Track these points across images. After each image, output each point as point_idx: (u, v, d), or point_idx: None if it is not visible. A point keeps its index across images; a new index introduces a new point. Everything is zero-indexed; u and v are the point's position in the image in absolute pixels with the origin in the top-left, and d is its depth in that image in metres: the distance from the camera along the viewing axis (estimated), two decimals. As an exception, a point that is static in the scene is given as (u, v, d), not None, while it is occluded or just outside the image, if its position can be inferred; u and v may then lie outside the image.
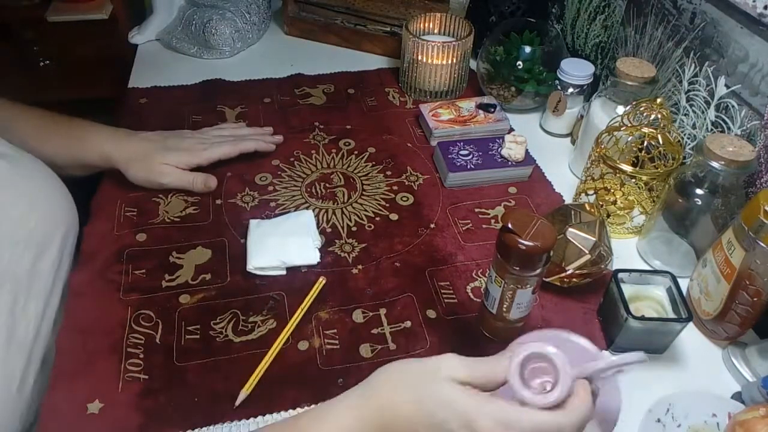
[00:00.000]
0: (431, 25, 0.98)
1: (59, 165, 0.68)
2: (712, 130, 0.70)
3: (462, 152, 0.81)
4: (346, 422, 0.42)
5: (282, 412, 0.54)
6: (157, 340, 0.59)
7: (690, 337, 0.62)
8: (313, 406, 0.54)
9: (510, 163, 0.80)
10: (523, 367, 0.38)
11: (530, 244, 0.50)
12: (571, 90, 0.85)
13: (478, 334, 0.62)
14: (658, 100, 0.69)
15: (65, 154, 0.71)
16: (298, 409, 0.54)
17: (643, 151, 0.72)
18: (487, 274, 0.61)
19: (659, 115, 0.69)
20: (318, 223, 0.72)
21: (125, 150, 0.73)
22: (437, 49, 0.90)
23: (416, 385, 0.41)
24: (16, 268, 0.55)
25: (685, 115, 0.74)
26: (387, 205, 0.77)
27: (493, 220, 0.75)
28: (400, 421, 0.41)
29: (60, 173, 0.65)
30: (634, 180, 0.69)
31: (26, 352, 0.54)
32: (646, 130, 0.70)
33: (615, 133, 0.72)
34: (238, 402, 0.54)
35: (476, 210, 0.76)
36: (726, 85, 0.67)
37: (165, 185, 0.74)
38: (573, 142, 0.88)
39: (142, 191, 0.76)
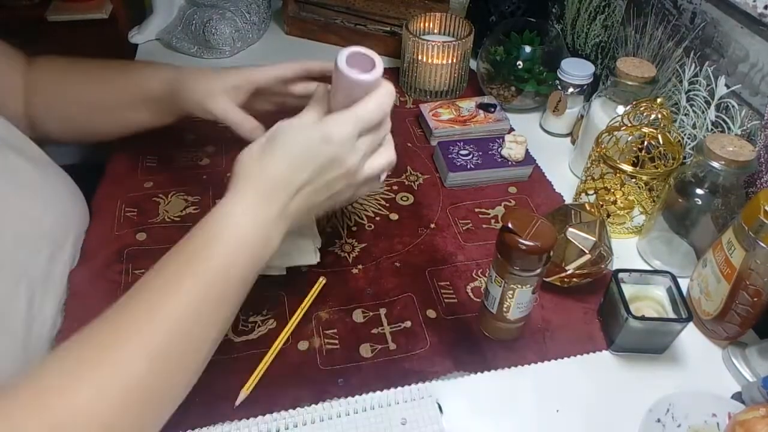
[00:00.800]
0: (431, 25, 0.98)
1: (123, 104, 0.69)
2: (712, 129, 0.70)
3: (462, 152, 0.81)
4: (244, 220, 0.47)
5: (282, 412, 0.54)
6: (157, 340, 0.59)
7: (690, 337, 0.62)
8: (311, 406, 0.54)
9: (510, 162, 0.80)
10: (348, 63, 0.48)
11: (530, 244, 0.50)
12: (571, 90, 0.85)
13: (478, 334, 0.62)
14: (659, 100, 0.69)
15: (131, 88, 0.69)
16: (299, 409, 0.54)
17: (644, 151, 0.72)
18: (487, 274, 0.61)
19: (659, 115, 0.69)
20: (318, 223, 0.72)
21: (189, 70, 0.67)
22: (437, 48, 0.90)
23: (277, 149, 0.49)
24: (33, 267, 0.57)
25: (686, 114, 0.74)
26: (387, 204, 0.77)
27: (493, 220, 0.75)
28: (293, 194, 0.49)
29: (125, 118, 0.70)
30: (634, 180, 0.69)
31: (44, 349, 0.55)
32: (646, 129, 0.70)
33: (615, 132, 0.72)
34: (238, 402, 0.54)
35: (476, 210, 0.76)
36: (726, 85, 0.67)
37: (212, 112, 0.64)
38: (573, 142, 0.88)
39: (143, 191, 0.76)
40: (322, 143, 0.48)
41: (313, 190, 0.50)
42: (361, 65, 0.48)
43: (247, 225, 0.47)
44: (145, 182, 0.77)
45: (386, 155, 0.54)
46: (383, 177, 0.56)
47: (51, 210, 0.61)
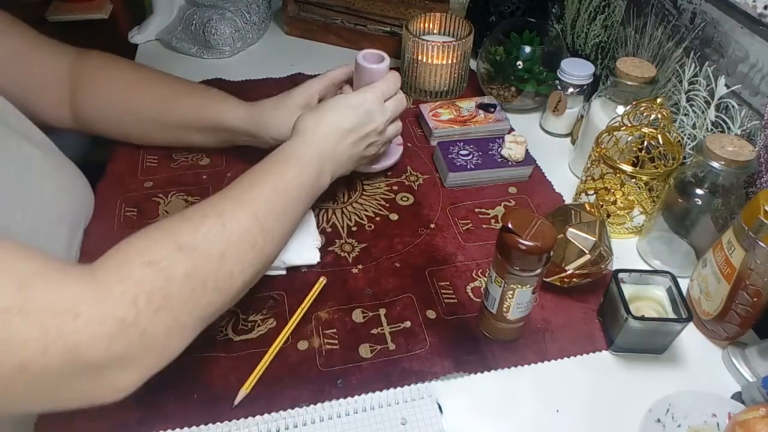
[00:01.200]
0: (431, 25, 0.98)
1: (186, 125, 0.75)
2: (712, 130, 0.70)
3: (462, 152, 0.81)
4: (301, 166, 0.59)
5: (281, 412, 0.54)
6: (157, 340, 0.59)
7: (690, 337, 0.62)
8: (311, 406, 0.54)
9: (510, 163, 0.80)
10: (365, 60, 0.68)
11: (530, 244, 0.50)
12: (571, 90, 0.85)
13: (478, 334, 0.62)
14: (658, 100, 0.69)
15: (198, 113, 0.74)
16: (298, 409, 0.54)
17: (643, 151, 0.72)
18: (487, 274, 0.61)
19: (659, 115, 0.69)
20: (318, 223, 0.72)
21: (262, 107, 0.74)
22: (437, 49, 0.90)
23: (326, 114, 0.63)
24: (55, 246, 0.60)
25: (685, 115, 0.74)
26: (387, 204, 0.77)
27: (493, 220, 0.75)
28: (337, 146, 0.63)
29: (182, 136, 0.76)
30: (634, 180, 0.69)
31: None
32: (646, 130, 0.70)
33: (615, 133, 0.72)
34: (237, 401, 0.54)
35: (476, 210, 0.76)
36: (726, 85, 0.67)
37: None
38: (573, 142, 0.88)
39: (143, 190, 0.76)
40: (360, 103, 0.65)
41: (353, 141, 0.64)
42: (373, 61, 0.68)
43: (310, 152, 0.60)
44: (145, 182, 0.77)
45: (397, 124, 0.72)
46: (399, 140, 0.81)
47: (64, 195, 0.64)
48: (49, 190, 0.62)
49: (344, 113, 0.64)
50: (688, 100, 0.74)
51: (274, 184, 0.55)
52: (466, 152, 0.81)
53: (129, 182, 0.77)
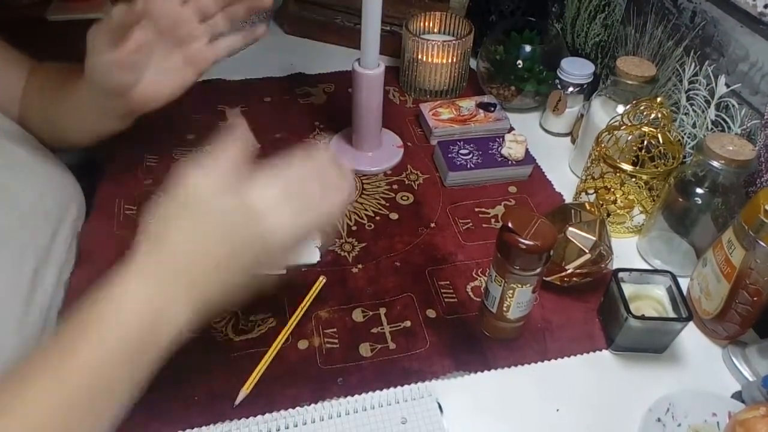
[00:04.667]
0: (431, 24, 0.98)
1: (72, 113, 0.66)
2: (712, 129, 0.70)
3: (462, 151, 0.81)
4: (141, 291, 0.40)
5: (282, 411, 0.54)
6: (157, 339, 0.59)
7: (690, 337, 0.62)
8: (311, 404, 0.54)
9: (510, 162, 0.80)
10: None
11: (530, 243, 0.50)
12: (571, 89, 0.85)
13: (478, 333, 0.62)
14: (659, 99, 0.69)
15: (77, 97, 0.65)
16: (298, 408, 0.54)
17: (643, 151, 0.72)
18: (487, 274, 0.61)
19: (659, 114, 0.69)
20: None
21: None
22: (437, 48, 0.90)
23: (190, 218, 0.42)
24: (39, 239, 0.60)
25: (686, 114, 0.74)
26: (387, 204, 0.77)
27: (493, 220, 0.75)
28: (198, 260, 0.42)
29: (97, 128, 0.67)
30: (634, 179, 0.69)
31: (43, 316, 0.58)
32: (646, 129, 0.70)
33: (615, 132, 0.72)
34: (237, 401, 0.54)
35: (476, 209, 0.76)
36: (726, 84, 0.67)
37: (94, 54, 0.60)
38: (573, 141, 0.88)
39: (143, 189, 0.76)
40: (247, 218, 0.42)
41: (233, 264, 0.43)
42: None
43: (135, 310, 0.40)
44: (145, 181, 0.77)
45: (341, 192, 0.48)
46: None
47: (49, 190, 0.64)
48: (34, 186, 0.62)
49: (218, 229, 0.43)
50: (688, 99, 0.74)
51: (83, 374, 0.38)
52: (466, 151, 0.81)
53: (129, 181, 0.77)
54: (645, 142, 0.71)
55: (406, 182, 0.80)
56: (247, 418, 0.54)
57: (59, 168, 0.69)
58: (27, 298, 0.57)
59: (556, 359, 0.60)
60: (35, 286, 0.58)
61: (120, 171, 0.79)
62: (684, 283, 0.64)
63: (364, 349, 0.60)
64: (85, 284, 0.63)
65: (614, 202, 0.71)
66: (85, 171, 0.75)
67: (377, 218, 0.74)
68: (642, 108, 0.70)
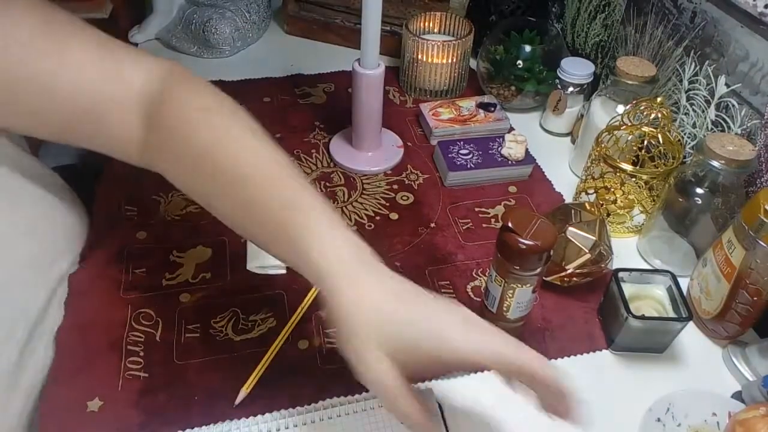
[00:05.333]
0: (431, 24, 0.98)
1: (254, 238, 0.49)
2: (712, 129, 0.70)
3: (462, 151, 0.81)
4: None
5: (282, 411, 0.54)
6: (158, 339, 0.59)
7: (690, 337, 0.62)
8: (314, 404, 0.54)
9: (510, 162, 0.80)
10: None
11: (530, 243, 0.50)
12: (571, 89, 0.85)
13: (478, 333, 0.62)
14: (659, 99, 0.69)
15: (270, 246, 0.47)
16: (298, 408, 0.54)
17: (644, 150, 0.72)
18: (487, 274, 0.61)
19: (659, 114, 0.69)
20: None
21: (357, 280, 0.40)
22: (437, 48, 0.90)
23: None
24: (30, 306, 0.55)
25: (686, 114, 0.74)
26: (387, 204, 0.77)
27: (493, 220, 0.75)
28: None
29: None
30: (634, 179, 0.69)
31: (32, 397, 0.55)
32: (646, 129, 0.70)
33: (615, 132, 0.72)
34: (238, 401, 0.54)
35: (476, 209, 0.76)
36: (726, 84, 0.67)
37: (362, 377, 0.41)
38: (573, 141, 0.88)
39: (143, 190, 0.76)
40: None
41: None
42: None
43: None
44: (145, 182, 0.77)
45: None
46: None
47: (50, 247, 0.59)
48: (32, 244, 0.56)
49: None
50: (688, 99, 0.74)
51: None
52: (466, 151, 0.81)
53: (129, 182, 0.76)
54: (645, 142, 0.71)
55: (406, 182, 0.80)
56: (248, 417, 0.53)
57: (63, 200, 0.61)
58: (9, 383, 0.52)
59: (556, 359, 0.60)
60: (24, 358, 0.53)
61: (120, 172, 0.78)
62: (684, 283, 0.64)
63: (364, 349, 0.60)
64: (86, 283, 0.64)
65: (614, 202, 0.71)
66: (84, 171, 0.75)
67: (377, 218, 0.74)
68: (642, 108, 0.70)
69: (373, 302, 0.38)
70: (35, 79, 0.44)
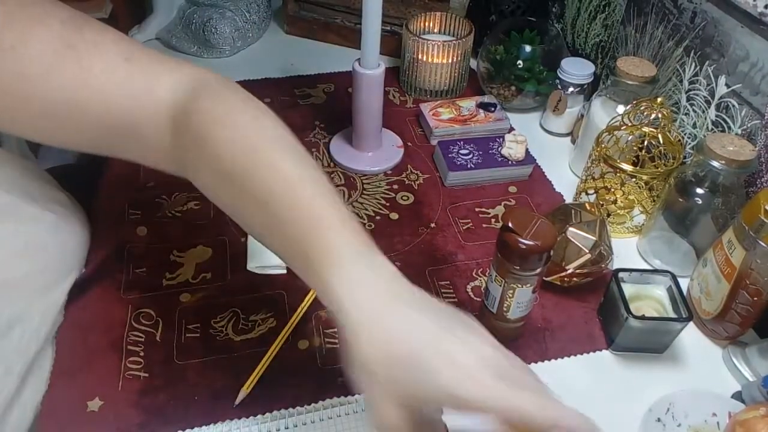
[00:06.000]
0: (431, 24, 0.98)
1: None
2: (712, 129, 0.70)
3: (462, 151, 0.81)
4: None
5: (282, 411, 0.54)
6: (158, 338, 0.59)
7: (690, 337, 0.62)
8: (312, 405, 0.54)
9: (510, 162, 0.80)
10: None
11: (530, 243, 0.50)
12: (571, 89, 0.85)
13: (478, 333, 0.62)
14: (659, 100, 0.69)
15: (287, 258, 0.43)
16: (298, 408, 0.54)
17: (644, 151, 0.72)
18: (487, 274, 0.61)
19: (660, 115, 0.69)
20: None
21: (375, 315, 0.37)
22: (437, 48, 0.90)
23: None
24: (25, 349, 0.52)
25: (686, 114, 0.74)
26: (387, 204, 0.77)
27: (493, 220, 0.75)
28: None
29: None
30: (634, 179, 0.69)
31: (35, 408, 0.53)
32: (646, 129, 0.70)
33: (615, 132, 0.72)
34: (238, 401, 0.54)
35: (476, 209, 0.76)
36: (726, 85, 0.67)
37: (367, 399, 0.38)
38: (573, 141, 0.88)
39: (145, 191, 0.76)
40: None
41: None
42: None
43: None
44: (147, 182, 0.77)
45: None
46: None
47: (50, 273, 0.56)
48: (24, 301, 0.53)
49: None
50: (688, 99, 0.74)
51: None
52: (466, 151, 0.81)
53: (131, 183, 0.76)
54: (645, 143, 0.71)
55: (406, 182, 0.80)
56: (247, 417, 0.54)
57: (65, 231, 0.59)
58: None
59: (556, 359, 0.60)
60: (11, 407, 0.50)
61: (122, 173, 0.79)
62: (684, 283, 0.64)
63: (365, 349, 0.60)
64: (86, 283, 0.63)
65: (614, 202, 0.71)
66: (84, 171, 0.75)
67: (377, 218, 0.74)
68: (642, 108, 0.70)
69: (390, 350, 0.36)
70: (65, 99, 0.44)
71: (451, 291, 0.66)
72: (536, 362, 0.59)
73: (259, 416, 0.54)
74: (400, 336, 0.36)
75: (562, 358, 0.60)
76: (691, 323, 0.61)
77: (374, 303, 0.37)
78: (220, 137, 0.43)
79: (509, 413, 0.33)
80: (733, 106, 0.67)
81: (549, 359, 0.60)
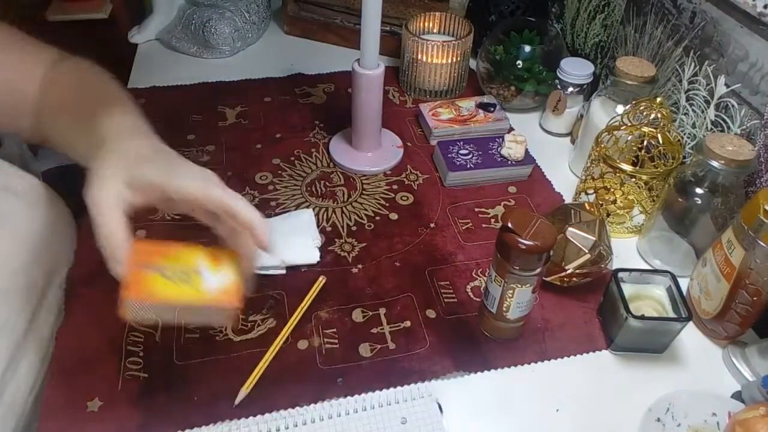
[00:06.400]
0: (431, 25, 0.98)
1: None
2: (711, 129, 0.70)
3: (462, 151, 0.81)
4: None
5: (281, 411, 0.54)
6: (157, 339, 0.59)
7: (690, 337, 0.62)
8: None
9: (510, 162, 0.80)
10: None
11: (530, 243, 0.50)
12: (570, 89, 0.85)
13: (478, 333, 0.62)
14: (658, 100, 0.69)
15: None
16: (298, 408, 0.54)
17: (643, 151, 0.72)
18: (487, 274, 0.61)
19: (659, 115, 0.69)
20: (318, 222, 0.72)
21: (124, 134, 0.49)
22: (437, 48, 0.90)
23: None
24: (15, 325, 0.54)
25: (685, 114, 0.74)
26: (387, 204, 0.77)
27: (492, 220, 0.75)
28: None
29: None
30: (633, 179, 0.69)
31: (15, 418, 0.53)
32: (645, 129, 0.70)
33: (615, 132, 0.72)
34: (237, 401, 0.54)
35: (476, 209, 0.76)
36: (726, 84, 0.67)
37: (86, 199, 0.44)
38: (573, 141, 0.88)
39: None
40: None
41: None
42: None
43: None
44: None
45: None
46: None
47: (38, 259, 0.57)
48: (20, 256, 0.55)
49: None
50: (687, 99, 0.74)
51: None
52: (465, 152, 0.81)
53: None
54: (645, 143, 0.71)
55: (406, 182, 0.80)
56: (247, 417, 0.54)
57: (56, 217, 0.60)
58: None
59: (555, 359, 0.60)
60: (5, 382, 0.51)
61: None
62: (684, 283, 0.64)
63: (364, 349, 0.60)
64: (86, 283, 0.64)
65: (614, 202, 0.71)
66: (85, 171, 0.75)
67: (377, 218, 0.74)
68: (642, 108, 0.70)
69: (128, 148, 0.46)
70: None
71: (451, 291, 0.66)
72: (536, 362, 0.59)
73: (258, 416, 0.54)
74: (139, 145, 0.47)
75: (562, 358, 0.60)
76: (691, 323, 0.61)
77: (132, 140, 0.48)
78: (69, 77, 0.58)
79: (206, 196, 0.44)
80: (733, 106, 0.67)
81: (549, 359, 0.60)
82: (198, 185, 0.44)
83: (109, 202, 0.43)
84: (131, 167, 0.44)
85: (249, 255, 0.47)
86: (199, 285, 0.45)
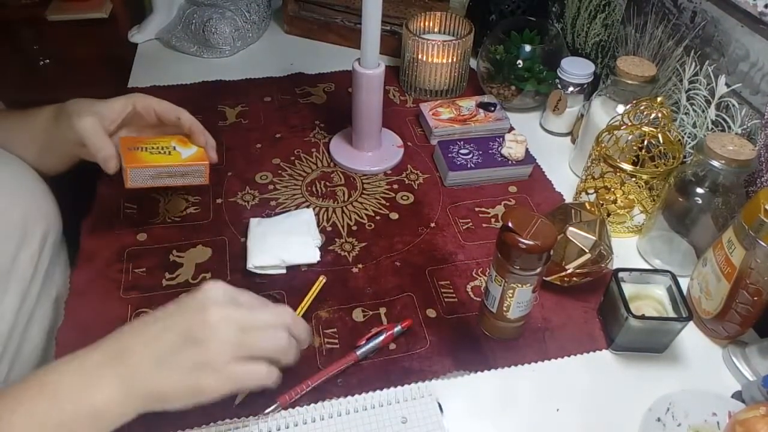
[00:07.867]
0: (431, 24, 0.98)
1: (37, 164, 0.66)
2: (712, 128, 0.70)
3: (462, 151, 0.81)
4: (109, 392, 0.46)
5: (282, 411, 0.54)
6: (157, 339, 0.59)
7: (690, 337, 0.62)
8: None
9: (510, 162, 0.80)
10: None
11: (530, 243, 0.50)
12: (571, 89, 0.85)
13: (478, 333, 0.62)
14: (659, 99, 0.69)
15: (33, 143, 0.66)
16: (298, 408, 0.54)
17: (644, 150, 0.72)
18: (487, 273, 0.61)
19: (659, 114, 0.69)
20: (318, 222, 0.72)
21: (74, 100, 0.64)
22: (437, 47, 0.90)
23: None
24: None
25: (686, 113, 0.74)
26: (387, 204, 0.77)
27: (493, 219, 0.75)
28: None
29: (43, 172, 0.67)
30: (634, 179, 0.69)
31: (0, 344, 0.55)
32: (646, 129, 0.70)
33: (615, 132, 0.72)
34: (237, 401, 0.54)
35: (476, 209, 0.76)
36: (726, 84, 0.67)
37: (77, 130, 0.60)
38: (573, 141, 0.88)
39: (143, 190, 0.75)
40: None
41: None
42: None
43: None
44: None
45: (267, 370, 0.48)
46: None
47: (17, 204, 0.60)
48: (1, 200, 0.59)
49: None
50: (688, 99, 0.74)
51: None
52: (466, 151, 0.81)
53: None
54: (645, 142, 0.71)
55: (406, 182, 0.80)
56: (247, 417, 0.53)
57: (32, 180, 0.65)
58: None
59: (556, 359, 0.60)
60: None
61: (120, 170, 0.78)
62: (684, 282, 0.64)
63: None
64: (86, 283, 0.63)
65: (614, 201, 0.71)
66: (85, 171, 0.75)
67: (377, 218, 0.74)
68: (642, 108, 0.70)
69: (82, 101, 0.63)
70: None
71: (451, 291, 0.66)
72: (536, 362, 0.59)
73: (259, 416, 0.54)
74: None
75: (562, 357, 0.60)
76: (691, 323, 0.61)
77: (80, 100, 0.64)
78: None
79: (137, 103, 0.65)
80: (733, 105, 0.67)
81: (549, 359, 0.60)
82: (151, 99, 0.66)
83: (95, 126, 0.60)
84: (94, 105, 0.63)
85: (199, 132, 0.65)
86: (177, 155, 0.64)
